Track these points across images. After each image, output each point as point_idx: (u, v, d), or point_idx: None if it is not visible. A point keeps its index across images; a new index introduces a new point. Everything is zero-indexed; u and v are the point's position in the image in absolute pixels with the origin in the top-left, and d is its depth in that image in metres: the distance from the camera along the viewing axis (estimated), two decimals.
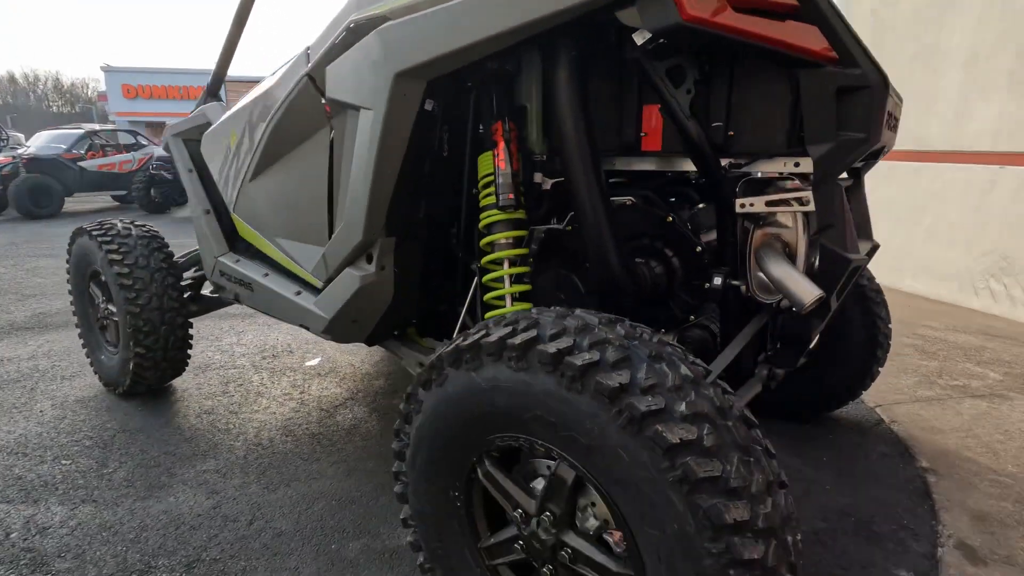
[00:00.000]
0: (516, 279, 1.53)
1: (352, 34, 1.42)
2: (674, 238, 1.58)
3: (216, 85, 2.45)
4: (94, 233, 2.47)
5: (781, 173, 1.33)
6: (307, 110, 1.63)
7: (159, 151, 10.70)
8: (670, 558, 0.84)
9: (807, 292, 1.25)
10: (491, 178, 1.49)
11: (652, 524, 0.86)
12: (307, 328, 1.96)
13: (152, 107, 26.50)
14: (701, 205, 1.68)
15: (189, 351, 2.61)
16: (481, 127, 1.57)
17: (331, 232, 1.77)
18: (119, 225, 2.53)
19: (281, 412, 2.52)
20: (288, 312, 1.95)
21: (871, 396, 2.54)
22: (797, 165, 1.29)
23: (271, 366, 3.07)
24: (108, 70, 26.25)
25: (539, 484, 1.09)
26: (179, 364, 2.61)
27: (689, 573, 0.83)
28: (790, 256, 1.37)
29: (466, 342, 1.05)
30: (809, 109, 1.18)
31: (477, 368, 1.03)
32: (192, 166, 2.34)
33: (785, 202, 1.34)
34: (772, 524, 0.82)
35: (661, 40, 1.11)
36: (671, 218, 1.56)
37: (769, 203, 1.34)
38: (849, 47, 1.14)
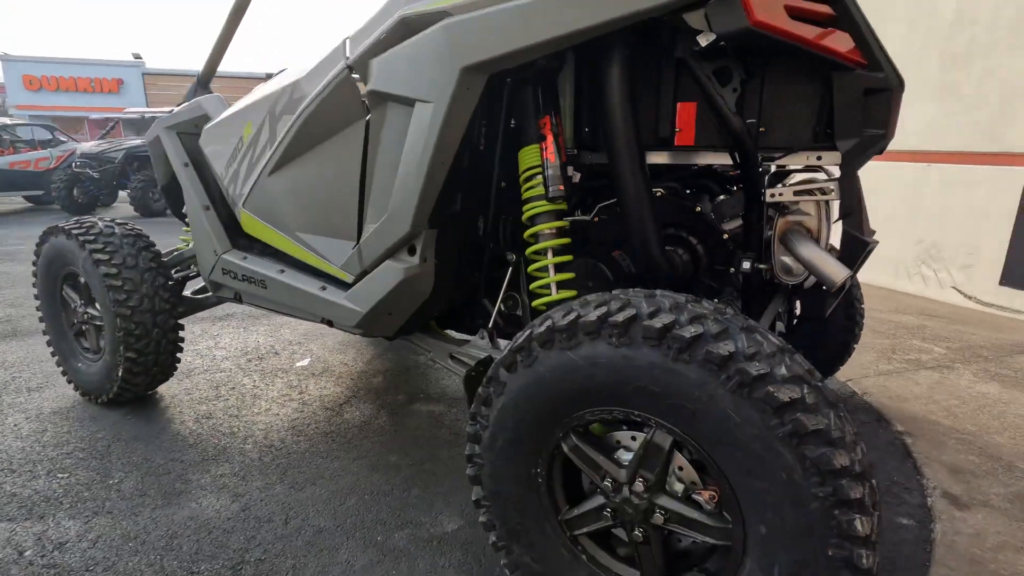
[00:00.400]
0: (559, 268, 1.59)
1: (404, 27, 1.43)
2: (701, 227, 1.70)
3: (208, 77, 2.36)
4: (74, 232, 2.32)
5: (779, 166, 1.47)
6: (343, 103, 1.62)
7: (83, 147, 9.91)
8: (778, 506, 0.94)
9: (838, 272, 1.39)
10: (536, 171, 1.55)
11: (758, 477, 0.95)
12: (330, 323, 1.94)
13: (60, 100, 24.40)
14: (722, 196, 1.81)
15: (179, 355, 2.50)
16: (513, 121, 1.62)
17: (360, 226, 1.77)
18: (100, 223, 2.39)
19: (284, 413, 2.46)
20: (311, 308, 1.92)
21: (841, 372, 2.79)
22: (819, 159, 1.43)
23: (259, 368, 2.97)
24: (6, 59, 23.90)
25: (623, 454, 1.17)
26: (169, 369, 2.50)
27: (797, 517, 0.93)
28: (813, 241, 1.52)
29: (560, 322, 1.11)
30: (840, 108, 1.32)
31: (574, 347, 1.09)
32: (188, 160, 2.24)
33: (811, 192, 1.49)
34: (864, 468, 0.94)
35: (721, 43, 1.21)
36: (699, 208, 1.67)
37: (797, 192, 1.49)
38: (875, 53, 1.28)
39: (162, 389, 2.67)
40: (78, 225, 2.36)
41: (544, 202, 1.54)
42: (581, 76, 1.52)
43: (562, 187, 1.50)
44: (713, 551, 1.13)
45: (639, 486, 1.11)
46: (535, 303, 1.60)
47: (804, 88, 1.37)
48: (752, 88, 1.41)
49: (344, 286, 1.85)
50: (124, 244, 2.32)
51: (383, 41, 1.48)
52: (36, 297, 2.63)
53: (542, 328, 1.14)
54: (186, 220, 2.93)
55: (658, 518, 1.10)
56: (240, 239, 2.24)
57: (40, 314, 2.65)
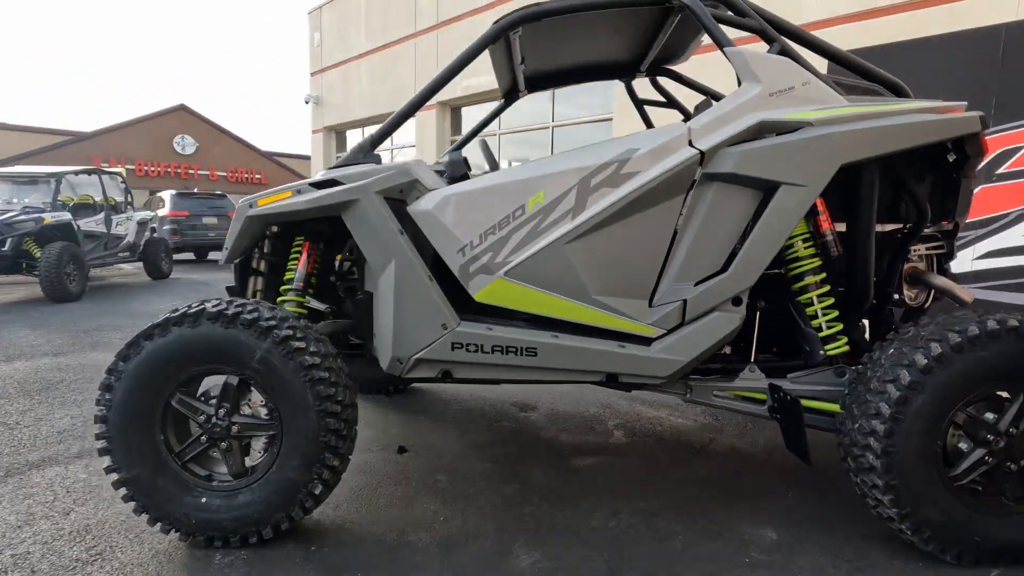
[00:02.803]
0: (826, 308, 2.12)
1: (760, 128, 1.86)
2: None
3: (379, 142, 2.14)
4: (243, 316, 1.81)
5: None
6: (680, 179, 1.89)
7: None
8: None
9: (968, 294, 2.29)
10: (799, 238, 2.08)
11: None
12: (613, 379, 2.05)
13: None
14: None
15: None
16: None
17: (657, 284, 2.00)
18: (262, 306, 1.91)
19: (481, 497, 2.27)
20: (605, 366, 2.00)
21: None
22: (928, 227, 2.35)
23: (367, 466, 2.56)
24: None
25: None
26: None
27: None
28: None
29: (969, 334, 1.69)
30: (963, 198, 2.25)
31: (982, 347, 1.68)
32: (403, 228, 2.01)
33: (934, 248, 2.40)
34: None
35: (957, 157, 2.01)
36: None
37: (928, 248, 2.38)
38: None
39: None
40: (240, 308, 1.85)
41: (814, 260, 2.09)
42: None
43: (838, 250, 2.07)
44: None
45: (1014, 431, 1.74)
46: (822, 334, 2.09)
47: (939, 185, 2.26)
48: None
49: (641, 341, 2.01)
50: (307, 328, 1.92)
51: (738, 136, 1.87)
52: (100, 420, 1.84)
53: (956, 339, 1.69)
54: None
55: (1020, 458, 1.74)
56: (467, 310, 2.10)
57: (103, 443, 1.85)
